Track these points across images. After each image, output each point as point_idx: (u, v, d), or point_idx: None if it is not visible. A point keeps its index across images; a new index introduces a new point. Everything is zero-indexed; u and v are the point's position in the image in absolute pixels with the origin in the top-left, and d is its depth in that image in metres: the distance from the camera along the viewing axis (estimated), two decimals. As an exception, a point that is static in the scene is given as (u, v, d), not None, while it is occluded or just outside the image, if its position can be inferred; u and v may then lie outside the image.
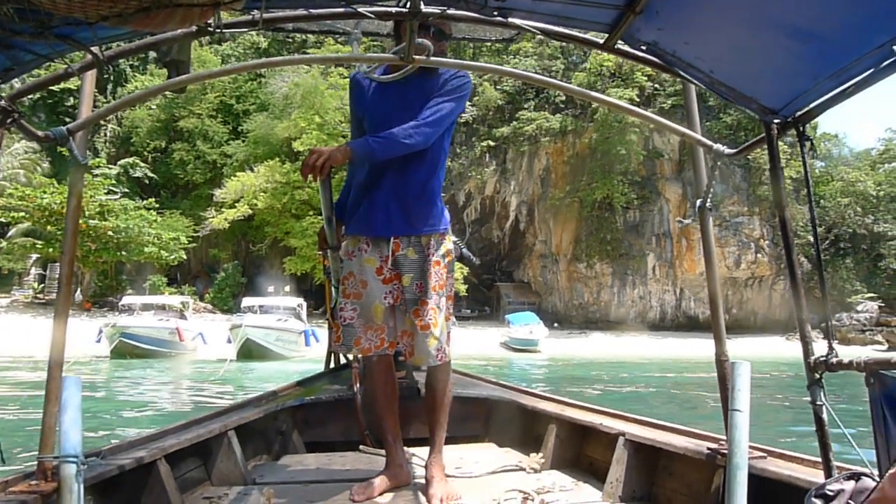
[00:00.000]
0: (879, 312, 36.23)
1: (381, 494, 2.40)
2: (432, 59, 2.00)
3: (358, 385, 3.28)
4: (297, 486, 2.55)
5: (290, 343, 21.43)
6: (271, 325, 21.03)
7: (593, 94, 2.47)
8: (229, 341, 20.08)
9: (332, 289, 3.23)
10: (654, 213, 38.46)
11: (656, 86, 37.67)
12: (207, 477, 2.59)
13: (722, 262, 37.41)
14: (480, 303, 43.93)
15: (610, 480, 2.50)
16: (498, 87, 39.73)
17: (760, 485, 1.88)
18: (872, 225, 38.75)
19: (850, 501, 1.18)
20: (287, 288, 27.80)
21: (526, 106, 39.65)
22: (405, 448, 2.72)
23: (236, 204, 34.50)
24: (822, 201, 39.64)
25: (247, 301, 24.62)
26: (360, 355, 3.22)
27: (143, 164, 38.25)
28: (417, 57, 1.89)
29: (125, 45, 1.76)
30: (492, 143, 39.41)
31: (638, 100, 36.29)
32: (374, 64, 2.29)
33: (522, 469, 2.82)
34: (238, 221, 34.78)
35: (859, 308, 36.02)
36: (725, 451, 1.95)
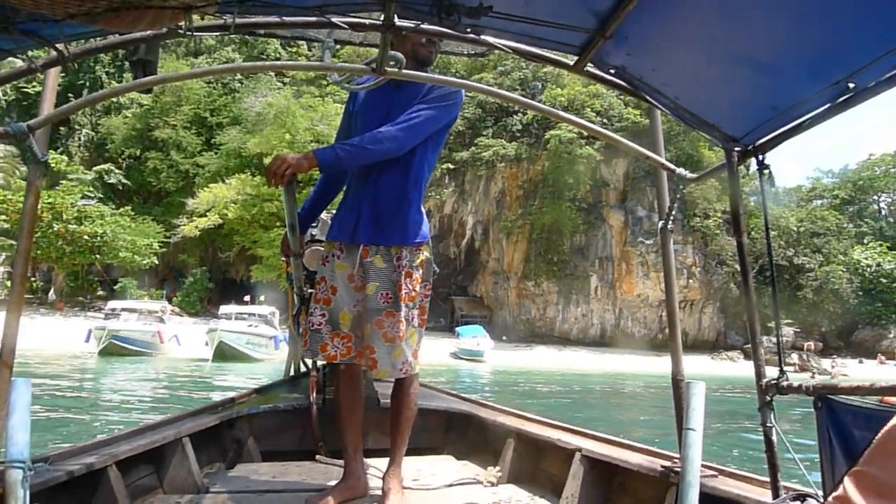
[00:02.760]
0: (795, 337, 40.47)
1: None
2: (404, 72, 1.99)
3: (314, 395, 3.28)
4: (250, 495, 2.51)
5: (261, 347, 24.56)
6: (243, 329, 24.01)
7: (563, 114, 2.58)
8: (207, 344, 23.04)
9: (295, 296, 3.27)
10: (598, 238, 42.83)
11: (604, 120, 41.64)
12: (159, 485, 2.53)
13: (657, 286, 41.56)
14: (436, 314, 47.24)
15: (566, 495, 2.53)
16: (460, 114, 42.84)
17: (709, 501, 1.90)
18: (793, 258, 43.36)
19: None
20: (262, 297, 30.69)
21: (484, 133, 43.78)
22: (364, 459, 2.71)
23: (207, 213, 37.04)
24: (752, 233, 43.70)
25: (224, 308, 27.73)
26: (322, 363, 3.37)
27: (117, 171, 40.76)
28: (390, 69, 1.89)
29: (92, 42, 1.70)
30: (451, 166, 43.12)
31: (586, 134, 39.76)
32: (346, 74, 2.15)
33: (479, 482, 2.83)
34: (208, 229, 37.28)
35: (777, 332, 40.11)
36: (679, 469, 1.93)
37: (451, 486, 2.77)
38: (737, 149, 2.01)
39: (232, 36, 51.26)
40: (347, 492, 2.45)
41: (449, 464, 3.24)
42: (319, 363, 3.42)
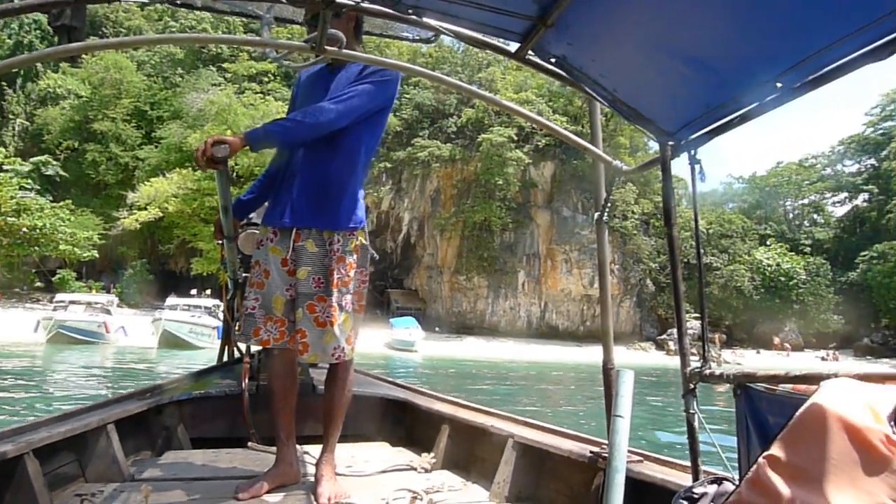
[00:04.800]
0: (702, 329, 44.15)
1: (267, 493, 2.37)
2: (344, 51, 1.96)
3: (247, 381, 3.28)
4: (179, 482, 2.47)
5: (203, 336, 26.41)
6: (186, 319, 25.74)
7: (506, 103, 2.53)
8: (153, 334, 24.70)
9: (229, 280, 3.27)
10: (526, 236, 46.16)
11: (533, 126, 44.00)
12: (81, 473, 2.46)
13: (579, 282, 44.80)
14: (373, 306, 49.28)
15: (497, 481, 2.61)
16: (397, 114, 45.36)
17: (636, 487, 1.97)
18: (703, 257, 46.72)
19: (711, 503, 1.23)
20: (208, 291, 32.16)
21: (421, 134, 46.59)
22: (298, 446, 2.71)
23: (148, 206, 37.87)
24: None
25: (170, 300, 29.27)
26: (257, 350, 3.35)
27: (54, 163, 40.97)
28: (329, 48, 1.86)
29: (9, 3, 1.65)
30: (389, 165, 45.33)
31: (517, 138, 42.54)
32: (284, 51, 2.10)
33: (413, 469, 2.89)
34: (148, 222, 38.21)
35: (687, 325, 43.80)
36: (606, 455, 1.96)
37: (384, 472, 2.80)
38: (670, 143, 2.07)
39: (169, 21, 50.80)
40: (279, 478, 2.45)
41: (384, 450, 3.29)
42: (254, 349, 3.43)
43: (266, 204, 2.63)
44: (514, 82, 49.42)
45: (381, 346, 38.17)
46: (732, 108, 1.76)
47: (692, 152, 1.98)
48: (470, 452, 3.07)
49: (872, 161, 60.00)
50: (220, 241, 2.81)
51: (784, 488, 1.09)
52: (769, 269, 51.14)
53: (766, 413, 1.58)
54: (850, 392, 1.16)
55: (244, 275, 2.90)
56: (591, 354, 36.41)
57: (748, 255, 51.74)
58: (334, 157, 2.40)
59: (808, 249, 56.36)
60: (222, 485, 2.44)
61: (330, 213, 2.40)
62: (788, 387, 1.54)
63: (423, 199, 49.02)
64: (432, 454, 3.07)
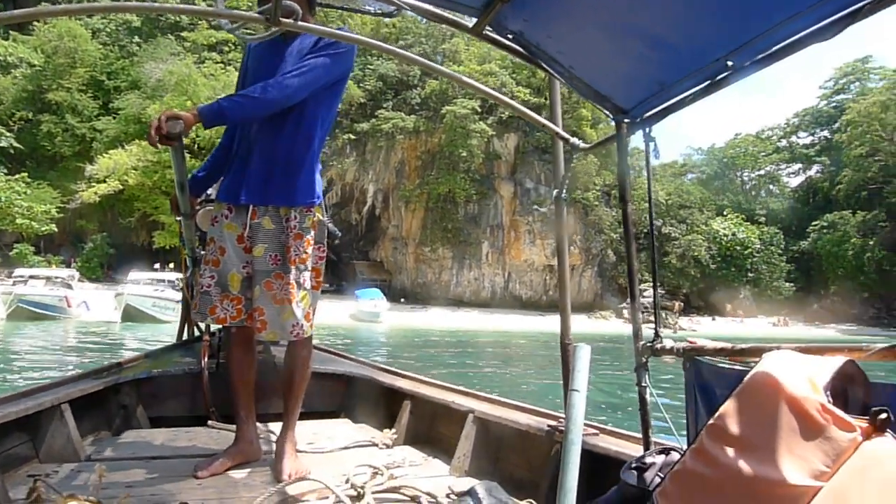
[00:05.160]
0: (661, 298, 45.38)
1: (227, 470, 2.39)
2: (300, 24, 1.94)
3: (206, 359, 3.28)
4: (137, 461, 2.47)
5: (167, 309, 26.55)
6: (149, 293, 25.79)
7: (465, 79, 2.52)
8: (116, 308, 24.77)
9: (187, 258, 3.26)
10: (490, 207, 46.79)
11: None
12: (35, 454, 2.44)
13: (542, 252, 45.67)
14: (339, 278, 49.78)
15: (458, 455, 2.66)
16: (360, 85, 45.07)
17: (592, 459, 2.00)
18: (662, 227, 48.39)
19: (659, 473, 1.29)
20: (171, 265, 32.13)
21: (385, 106, 46.53)
22: (258, 423, 2.73)
23: (107, 179, 37.27)
24: (632, 205, 48.33)
25: (133, 274, 29.20)
26: (215, 327, 3.34)
27: (8, 134, 39.79)
28: (284, 20, 1.83)
29: None
30: (353, 137, 45.37)
31: (480, 110, 42.70)
32: (239, 22, 2.03)
33: (375, 445, 2.94)
34: (108, 195, 37.62)
35: (645, 294, 45.13)
36: (563, 429, 1.99)
37: (346, 448, 2.83)
38: (626, 120, 2.08)
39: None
40: (239, 456, 2.46)
41: (346, 427, 3.32)
42: (214, 327, 3.41)
43: (221, 179, 2.60)
44: (479, 54, 49.49)
45: (346, 317, 38.61)
46: (686, 86, 1.80)
47: (647, 130, 2.03)
48: (431, 428, 3.12)
49: (825, 133, 62.22)
50: (179, 219, 2.80)
51: (725, 456, 1.12)
52: (725, 238, 52.78)
53: (713, 385, 1.60)
54: (789, 364, 1.20)
55: (202, 252, 2.77)
56: (553, 323, 36.42)
57: (706, 226, 53.28)
58: (290, 132, 2.38)
59: (762, 219, 58.48)
60: (181, 463, 2.45)
61: (286, 189, 2.38)
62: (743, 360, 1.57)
63: (387, 171, 49.16)
64: (394, 430, 3.12)
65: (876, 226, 49.90)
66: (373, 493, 2.17)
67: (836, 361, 1.19)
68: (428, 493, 2.21)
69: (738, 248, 52.71)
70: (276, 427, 2.73)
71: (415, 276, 50.04)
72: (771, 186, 66.47)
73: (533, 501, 2.15)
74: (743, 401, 1.18)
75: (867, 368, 1.31)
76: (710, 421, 1.22)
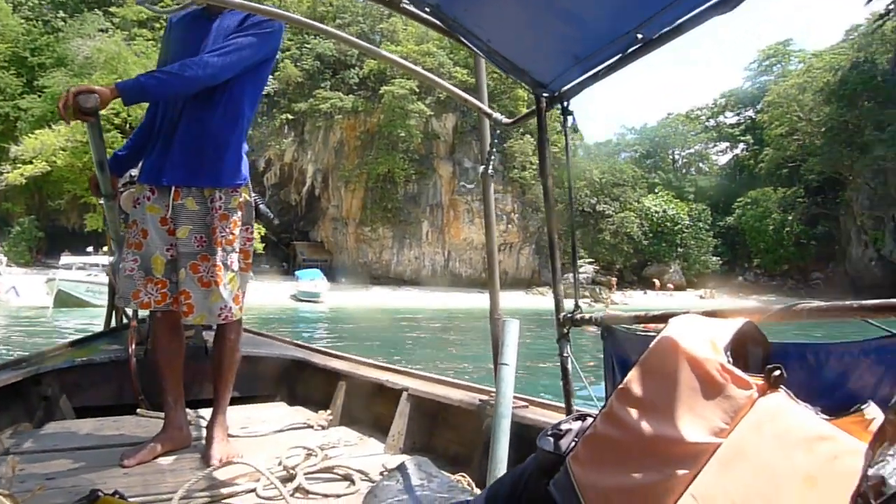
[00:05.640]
0: (596, 274, 47.10)
1: (155, 458, 2.35)
2: None
3: (134, 346, 3.17)
4: (60, 453, 2.38)
5: (101, 294, 26.11)
6: (82, 278, 25.46)
7: (396, 58, 2.60)
8: (48, 294, 24.45)
9: (112, 241, 3.21)
10: (429, 187, 47.44)
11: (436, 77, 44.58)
12: None
13: (481, 231, 46.83)
14: (279, 259, 49.57)
15: (392, 433, 2.68)
16: (297, 64, 44.71)
17: (521, 430, 2.05)
18: (596, 205, 49.91)
19: (575, 438, 1.31)
20: (105, 248, 31.54)
21: (323, 85, 46.48)
22: (189, 410, 2.69)
23: (33, 160, 36.11)
24: (564, 184, 49.55)
25: (65, 259, 28.64)
26: (144, 313, 3.25)
27: (-76, 112, 38.13)
28: None
29: None
30: (291, 116, 45.08)
31: (418, 90, 43.06)
32: None
33: (310, 426, 2.93)
34: (35, 177, 36.50)
35: (581, 270, 46.59)
36: (494, 402, 2.01)
37: (280, 431, 2.81)
38: (545, 94, 2.09)
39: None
40: (168, 443, 2.41)
41: (280, 410, 3.30)
42: (143, 313, 3.33)
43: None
44: (416, 34, 49.75)
45: (287, 298, 38.73)
46: (600, 60, 1.83)
47: (565, 104, 2.06)
48: (366, 408, 3.14)
49: (750, 113, 65.27)
50: (101, 201, 2.74)
51: (632, 418, 1.15)
52: (657, 215, 54.98)
53: (629, 352, 1.62)
54: (693, 327, 1.24)
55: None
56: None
57: (638, 203, 55.36)
58: (215, 112, 2.33)
59: (692, 196, 61.23)
60: (107, 453, 2.38)
61: (211, 169, 2.34)
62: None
63: (326, 151, 49.17)
64: (329, 411, 3.13)
65: (795, 202, 52.91)
66: (305, 473, 2.16)
67: (736, 323, 1.24)
68: (361, 472, 2.20)
69: (669, 224, 55.01)
70: (207, 413, 2.64)
71: (356, 256, 50.59)
72: (701, 164, 69.49)
73: (465, 475, 2.19)
74: (649, 364, 1.21)
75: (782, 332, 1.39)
76: (620, 385, 1.25)
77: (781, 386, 1.09)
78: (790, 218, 52.48)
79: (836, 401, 1.17)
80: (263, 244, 43.41)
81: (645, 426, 1.12)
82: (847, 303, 1.26)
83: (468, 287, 47.98)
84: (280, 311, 30.05)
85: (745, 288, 54.20)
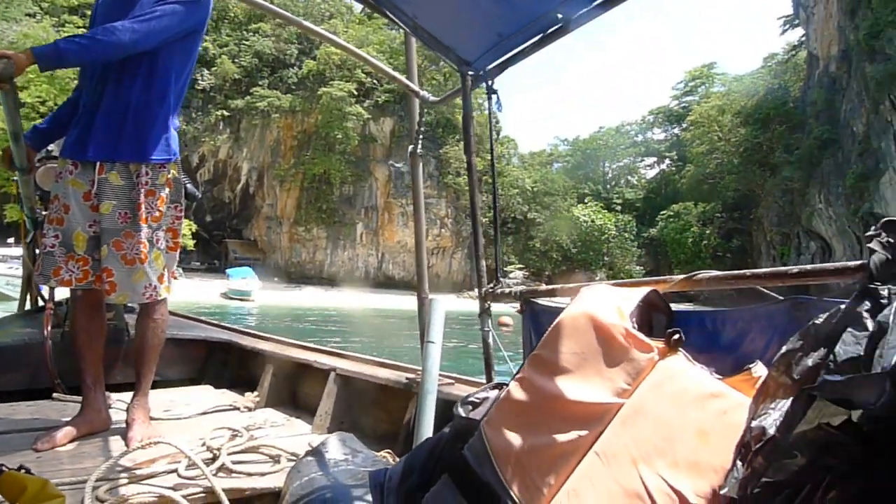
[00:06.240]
0: (525, 279, 48.44)
1: (71, 441, 2.25)
2: None
3: (49, 328, 3.05)
4: None
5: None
6: (3, 271, 24.84)
7: (331, 36, 2.66)
8: None
9: (27, 219, 3.07)
10: (365, 189, 48.15)
11: (374, 81, 45.20)
12: None
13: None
14: (211, 256, 49.24)
15: (320, 413, 2.69)
16: (235, 60, 44.56)
17: (446, 406, 1.98)
18: (528, 213, 51.20)
19: (492, 406, 1.33)
20: (28, 239, 30.60)
21: (260, 83, 46.21)
22: (110, 393, 2.61)
23: (-50, 147, 34.59)
24: (499, 190, 50.67)
25: None
26: (61, 295, 3.17)
27: None
28: None
29: None
30: (227, 113, 44.88)
31: (357, 93, 43.52)
32: None
33: (237, 408, 2.90)
34: (-50, 164, 34.84)
35: (511, 275, 48.19)
36: (420, 380, 2.02)
37: (205, 413, 2.77)
38: (470, 73, 2.11)
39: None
40: (85, 426, 2.34)
41: (206, 393, 3.23)
42: (59, 295, 3.24)
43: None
44: (356, 36, 50.26)
45: (216, 296, 38.48)
46: (522, 39, 1.86)
47: (489, 82, 2.08)
48: (294, 389, 3.15)
49: (676, 130, 68.54)
50: (17, 176, 2.64)
51: (543, 382, 1.19)
52: (585, 224, 57.11)
53: (545, 324, 1.61)
54: (601, 296, 1.29)
55: (44, 213, 2.59)
56: None
57: (568, 212, 57.26)
58: (141, 84, 2.26)
59: (619, 207, 64.20)
60: (20, 437, 2.28)
61: (136, 143, 2.26)
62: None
63: (262, 150, 49.15)
64: (256, 393, 3.08)
65: (713, 216, 55.99)
66: (229, 453, 2.13)
67: (641, 292, 1.30)
68: (287, 451, 2.18)
69: (597, 233, 57.33)
70: (128, 397, 2.54)
71: (289, 256, 50.96)
72: (630, 177, 72.68)
73: (391, 451, 2.19)
74: (559, 331, 1.25)
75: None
76: (534, 352, 1.29)
77: (680, 349, 1.16)
78: (708, 231, 55.53)
79: (731, 362, 1.26)
80: (195, 241, 43.06)
81: (554, 389, 1.17)
82: (741, 272, 1.34)
83: (401, 289, 48.64)
84: (209, 308, 29.96)
85: (665, 297, 56.50)
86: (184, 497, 1.79)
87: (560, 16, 1.72)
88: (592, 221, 57.76)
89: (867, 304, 0.83)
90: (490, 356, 2.19)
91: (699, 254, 55.25)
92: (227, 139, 48.80)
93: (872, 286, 0.86)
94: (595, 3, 1.64)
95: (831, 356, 0.80)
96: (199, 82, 47.25)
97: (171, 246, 2.44)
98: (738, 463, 0.88)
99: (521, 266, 53.01)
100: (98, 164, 2.25)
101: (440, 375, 2.22)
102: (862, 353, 0.77)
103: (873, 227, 0.95)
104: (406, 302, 43.13)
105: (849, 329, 0.81)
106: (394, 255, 51.56)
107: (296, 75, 49.40)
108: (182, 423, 2.66)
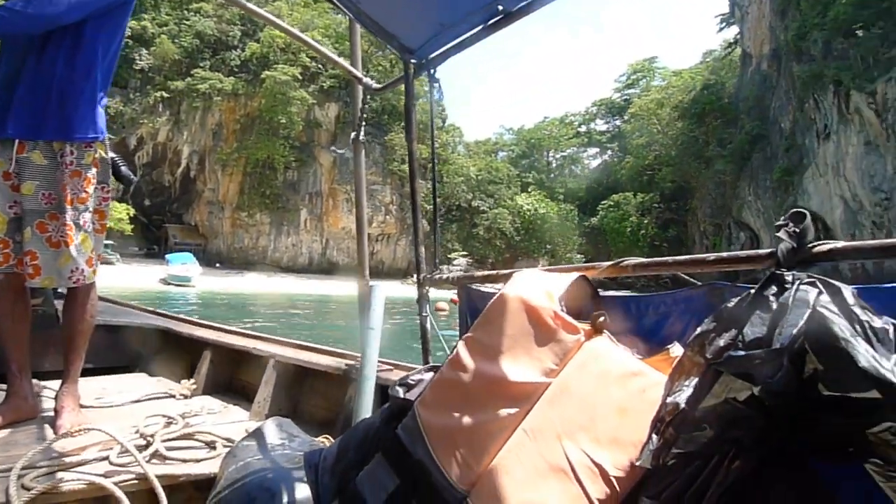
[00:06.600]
0: (468, 266, 49.11)
1: None
2: None
3: None
4: None
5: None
6: None
7: (274, 19, 2.61)
8: None
9: None
10: (309, 175, 47.86)
11: (319, 66, 44.91)
12: None
13: (360, 220, 46.74)
14: (150, 241, 48.25)
15: (258, 400, 2.65)
16: (175, 41, 43.58)
17: (385, 392, 1.90)
18: (472, 201, 51.81)
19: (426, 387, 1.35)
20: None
21: (202, 65, 45.30)
22: (38, 381, 2.52)
23: None
24: (444, 178, 51.12)
25: None
26: None
27: None
28: None
29: None
30: (166, 95, 43.87)
31: (301, 77, 43.14)
32: None
33: (172, 396, 2.85)
34: None
35: (455, 262, 48.83)
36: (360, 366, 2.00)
37: (138, 401, 2.71)
38: (413, 61, 2.13)
39: None
40: (11, 413, 2.25)
41: (140, 380, 3.17)
42: None
43: None
44: (301, 20, 49.64)
45: (155, 282, 37.81)
46: (464, 28, 1.89)
47: (431, 71, 2.11)
48: (232, 376, 3.10)
49: (618, 122, 70.12)
50: None
51: (475, 363, 1.23)
52: (528, 213, 58.04)
53: (480, 308, 1.64)
54: (532, 280, 1.34)
55: None
56: None
57: (511, 201, 58.13)
58: (65, 59, 2.15)
59: (561, 197, 65.35)
60: None
61: (60, 121, 2.16)
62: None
63: (204, 133, 48.20)
64: (192, 380, 3.04)
65: (651, 206, 57.79)
66: (163, 440, 2.09)
67: (570, 277, 1.33)
68: (223, 437, 2.15)
69: (539, 222, 58.44)
70: (56, 385, 2.46)
71: (231, 241, 50.15)
72: (573, 167, 74.02)
73: (329, 436, 2.17)
74: (492, 314, 1.28)
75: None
76: (467, 334, 1.31)
77: (605, 331, 1.22)
78: (646, 221, 57.35)
79: (653, 343, 1.33)
80: (133, 226, 42.01)
81: (486, 369, 1.21)
82: (664, 259, 1.40)
83: (345, 275, 48.54)
84: (147, 294, 29.49)
85: (605, 284, 58.25)
86: (115, 484, 1.73)
87: (501, 7, 1.75)
88: (535, 210, 58.76)
89: (773, 289, 0.91)
90: (427, 340, 2.21)
91: (637, 243, 56.93)
92: (167, 122, 47.46)
93: (779, 272, 0.94)
94: None
95: (740, 336, 0.87)
96: (138, 62, 45.85)
97: (98, 228, 2.34)
98: (654, 436, 0.94)
99: (464, 253, 53.58)
100: (17, 142, 2.14)
101: (379, 361, 2.23)
102: (765, 333, 0.84)
103: (782, 218, 1.04)
104: (350, 288, 42.45)
105: (757, 311, 0.89)
106: (338, 242, 51.32)
107: (239, 58, 48.42)
108: (114, 410, 2.59)
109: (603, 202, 61.63)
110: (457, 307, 2.03)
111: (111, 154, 2.40)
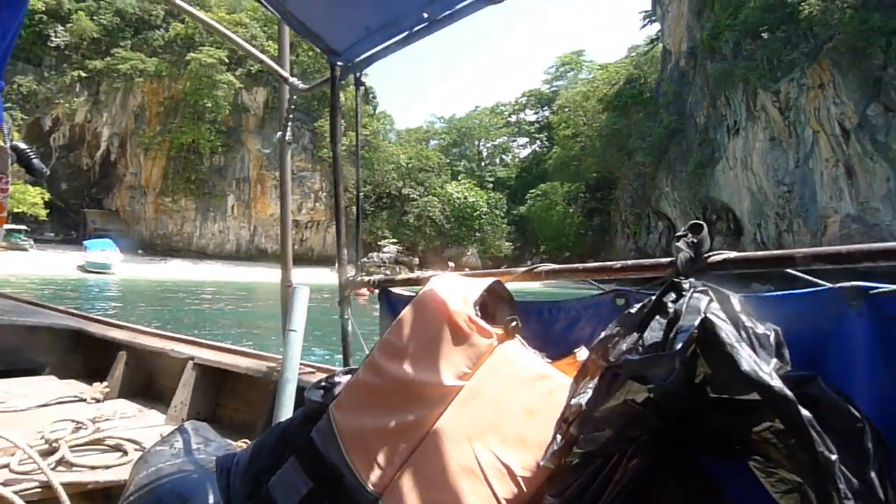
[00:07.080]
0: (398, 253, 49.45)
1: None
2: None
3: None
4: None
5: None
6: None
7: (192, 10, 2.63)
8: None
9: None
10: (237, 160, 47.07)
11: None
12: None
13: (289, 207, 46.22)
14: (67, 227, 46.35)
15: (175, 404, 2.59)
16: (94, 18, 41.96)
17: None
18: (403, 188, 52.07)
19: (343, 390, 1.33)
20: None
21: (123, 44, 43.64)
22: None
23: None
24: (374, 165, 51.18)
25: None
26: None
27: None
28: None
29: None
30: (84, 74, 42.19)
31: (228, 61, 42.31)
32: None
33: (83, 400, 2.76)
34: None
35: (385, 250, 49.11)
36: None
37: (46, 405, 2.63)
38: (339, 63, 2.13)
39: None
40: None
41: (49, 384, 3.09)
42: None
43: None
44: (228, 2, 48.48)
45: (73, 269, 36.60)
46: (390, 34, 1.91)
47: (357, 74, 2.13)
48: (148, 378, 3.03)
49: (546, 113, 71.43)
50: None
51: (391, 366, 1.23)
52: (458, 201, 58.76)
53: (400, 311, 1.58)
54: (449, 285, 1.33)
55: None
56: (297, 276, 38.69)
57: (442, 189, 58.69)
58: None
59: (491, 185, 66.22)
60: None
61: None
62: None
63: (125, 115, 46.51)
64: (105, 383, 2.97)
65: (577, 196, 59.42)
66: (71, 446, 2.03)
67: (486, 282, 1.35)
68: (135, 442, 2.11)
69: (469, 210, 59.09)
70: None
71: (154, 228, 48.50)
72: (504, 156, 75.04)
73: (248, 441, 2.12)
74: (407, 317, 1.29)
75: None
76: (383, 337, 1.33)
77: (517, 335, 1.25)
78: (572, 210, 58.91)
79: (563, 347, 1.38)
80: (48, 210, 40.35)
81: (400, 372, 1.21)
82: (575, 266, 1.47)
83: (273, 263, 48.04)
84: (64, 282, 28.59)
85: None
86: (16, 493, 1.65)
87: (426, 15, 1.78)
88: (465, 198, 59.35)
89: (672, 296, 0.96)
90: (348, 343, 2.21)
91: (563, 231, 58.55)
92: (85, 102, 45.30)
93: (677, 280, 0.99)
94: (456, 7, 1.72)
95: (640, 341, 0.91)
96: (53, 39, 43.51)
97: None
98: (557, 437, 0.97)
99: (394, 241, 53.74)
100: None
101: (301, 364, 2.21)
102: (662, 338, 0.89)
103: (682, 229, 1.09)
104: (277, 275, 42.08)
105: (656, 317, 0.93)
106: (266, 229, 50.44)
107: (162, 38, 46.58)
108: (18, 415, 2.50)
109: (531, 191, 62.78)
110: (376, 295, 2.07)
111: (21, 144, 2.23)
